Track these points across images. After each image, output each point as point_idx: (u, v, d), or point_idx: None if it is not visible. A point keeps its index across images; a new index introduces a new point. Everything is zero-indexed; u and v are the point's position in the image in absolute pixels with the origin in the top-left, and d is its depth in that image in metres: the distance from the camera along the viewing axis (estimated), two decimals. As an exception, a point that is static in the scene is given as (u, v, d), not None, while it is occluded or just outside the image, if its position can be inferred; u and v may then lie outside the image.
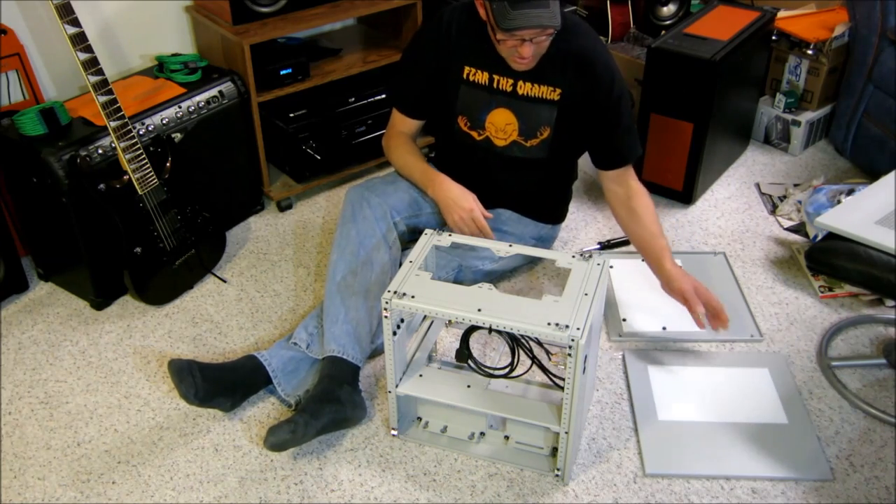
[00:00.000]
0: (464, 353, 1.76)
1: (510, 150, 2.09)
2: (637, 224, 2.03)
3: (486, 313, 1.58)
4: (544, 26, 1.78)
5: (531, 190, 2.20)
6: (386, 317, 1.66)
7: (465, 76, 2.05)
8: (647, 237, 2.00)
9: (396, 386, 1.76)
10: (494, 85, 2.03)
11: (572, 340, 1.51)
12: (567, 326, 1.53)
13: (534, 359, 1.75)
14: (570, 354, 1.54)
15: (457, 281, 2.09)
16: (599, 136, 2.05)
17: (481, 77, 2.03)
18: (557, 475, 1.73)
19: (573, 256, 1.73)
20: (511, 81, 2.01)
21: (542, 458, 1.77)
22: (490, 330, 1.61)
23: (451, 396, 1.73)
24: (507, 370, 1.74)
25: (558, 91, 2.00)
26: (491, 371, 1.76)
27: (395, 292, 1.65)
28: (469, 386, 1.75)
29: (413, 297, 1.63)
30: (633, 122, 2.08)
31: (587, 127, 2.04)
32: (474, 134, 2.10)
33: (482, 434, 1.81)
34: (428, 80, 2.09)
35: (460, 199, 2.00)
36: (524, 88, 2.01)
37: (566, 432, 1.64)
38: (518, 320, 1.56)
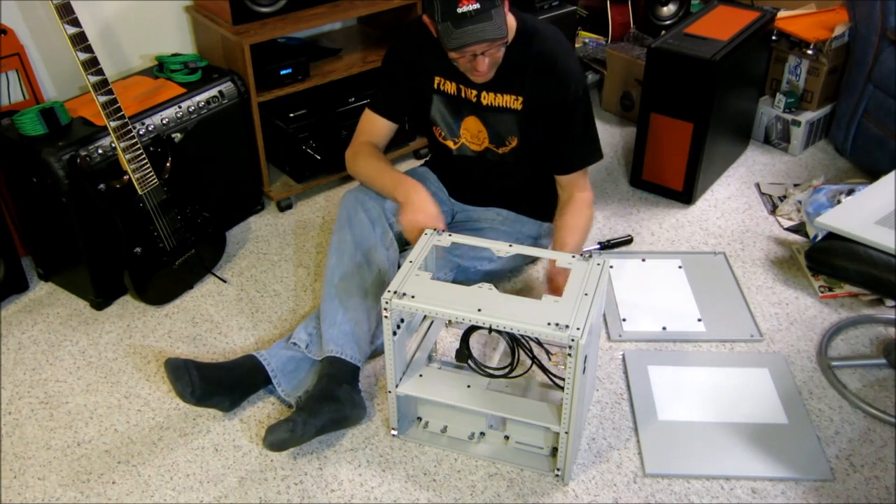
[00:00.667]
0: (464, 353, 1.76)
1: (485, 154, 2.10)
2: (560, 224, 2.02)
3: (486, 313, 1.58)
4: (488, 40, 1.75)
5: (521, 189, 2.20)
6: (386, 317, 1.65)
7: (435, 86, 2.05)
8: (559, 235, 2.00)
9: (396, 386, 1.76)
10: (462, 95, 2.03)
11: (572, 340, 1.51)
12: (567, 326, 1.53)
13: (534, 359, 1.75)
14: (570, 354, 1.54)
15: (456, 281, 2.08)
16: (553, 141, 2.03)
17: (450, 87, 2.03)
18: (557, 475, 1.74)
19: (573, 256, 1.73)
20: (475, 92, 2.00)
21: (542, 458, 1.77)
22: (490, 330, 1.61)
23: (451, 396, 1.73)
24: (507, 370, 1.74)
25: (520, 99, 1.98)
26: (491, 371, 1.76)
27: (395, 292, 1.64)
28: (469, 386, 1.75)
29: (413, 297, 1.63)
30: (590, 129, 2.04)
31: (547, 130, 2.02)
32: (450, 143, 2.11)
33: (482, 434, 1.81)
34: (404, 86, 2.08)
35: (430, 206, 1.92)
36: (487, 99, 2.00)
37: (566, 432, 1.64)
38: (518, 320, 1.56)
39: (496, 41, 1.78)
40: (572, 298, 1.60)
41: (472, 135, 2.07)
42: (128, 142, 2.05)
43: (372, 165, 2.06)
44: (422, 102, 2.09)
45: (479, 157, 2.11)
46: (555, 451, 1.76)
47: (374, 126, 2.13)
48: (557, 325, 1.53)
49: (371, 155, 2.08)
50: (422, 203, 1.92)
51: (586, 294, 1.62)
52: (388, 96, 2.11)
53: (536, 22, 1.99)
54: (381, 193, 2.03)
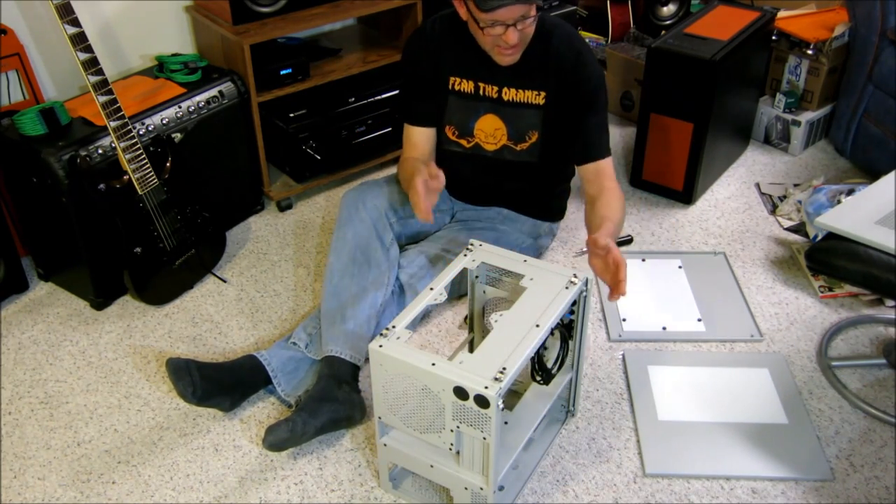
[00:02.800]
0: (550, 375, 1.72)
1: (500, 154, 2.09)
2: (593, 215, 1.93)
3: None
4: (524, 2, 1.75)
5: (526, 190, 2.20)
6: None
7: (451, 86, 2.05)
8: (595, 220, 1.90)
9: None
10: (480, 92, 2.03)
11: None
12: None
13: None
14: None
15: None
16: (578, 131, 2.02)
17: (467, 86, 2.03)
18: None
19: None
20: (496, 88, 2.00)
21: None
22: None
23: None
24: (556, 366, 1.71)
25: (543, 94, 1.99)
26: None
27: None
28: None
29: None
30: (606, 120, 2.04)
31: (571, 122, 2.02)
32: (463, 142, 2.10)
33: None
34: (426, 87, 2.08)
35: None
36: (509, 94, 2.00)
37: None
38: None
39: (530, 6, 1.78)
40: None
41: (486, 134, 2.07)
42: (128, 142, 2.05)
43: (404, 177, 2.05)
44: (439, 102, 2.09)
45: (493, 157, 2.10)
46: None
47: (416, 138, 2.12)
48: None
49: (404, 168, 2.08)
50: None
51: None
52: (418, 105, 2.10)
53: (552, 18, 2.01)
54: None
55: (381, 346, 1.49)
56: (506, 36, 1.83)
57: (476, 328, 1.86)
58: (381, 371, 1.51)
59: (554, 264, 1.69)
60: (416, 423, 1.53)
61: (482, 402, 1.40)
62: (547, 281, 1.64)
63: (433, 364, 1.44)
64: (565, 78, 1.97)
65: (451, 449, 1.52)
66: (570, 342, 1.71)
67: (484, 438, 1.45)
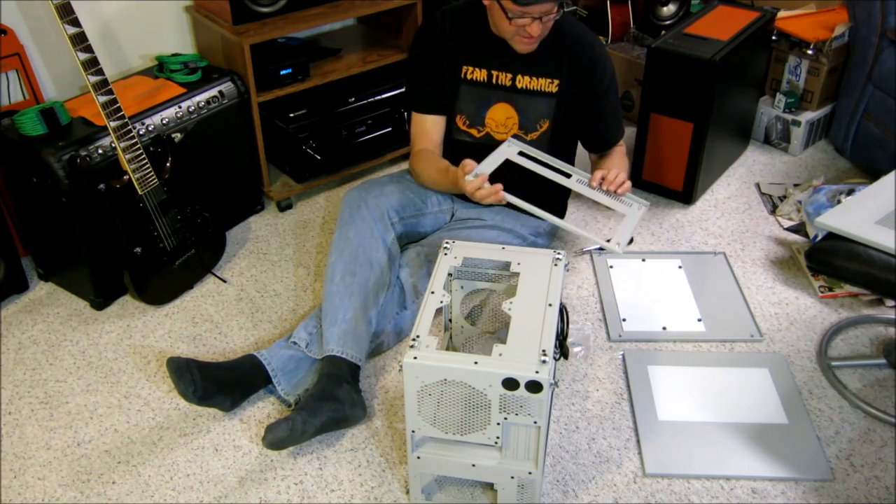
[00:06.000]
0: (567, 348, 1.77)
1: None
2: (603, 160, 2.18)
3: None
4: (556, 1, 1.85)
5: (532, 185, 2.20)
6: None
7: (463, 75, 2.07)
8: (605, 163, 2.14)
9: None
10: (493, 80, 2.05)
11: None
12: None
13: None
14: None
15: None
16: (590, 121, 2.12)
17: (479, 74, 2.06)
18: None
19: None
20: (510, 76, 2.04)
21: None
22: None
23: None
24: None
25: (556, 82, 2.04)
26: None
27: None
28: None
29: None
30: (619, 106, 2.19)
31: (581, 112, 2.10)
32: (473, 132, 2.12)
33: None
34: (437, 76, 2.10)
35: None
36: (523, 82, 2.04)
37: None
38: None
39: (558, 6, 1.88)
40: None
41: (498, 123, 2.10)
42: (128, 142, 2.05)
43: (431, 173, 2.10)
44: (449, 93, 2.11)
45: None
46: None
47: (426, 127, 2.14)
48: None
49: (427, 162, 2.11)
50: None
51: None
52: (427, 93, 2.13)
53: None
54: (450, 192, 2.12)
55: (415, 357, 1.46)
56: (531, 27, 1.90)
57: (454, 325, 1.86)
58: (417, 382, 1.48)
59: (529, 248, 1.75)
60: (458, 426, 1.53)
61: (534, 387, 1.42)
62: (535, 263, 1.69)
63: (476, 363, 1.45)
64: (580, 67, 2.03)
65: (496, 443, 1.53)
66: (567, 314, 1.74)
67: (535, 423, 1.47)
